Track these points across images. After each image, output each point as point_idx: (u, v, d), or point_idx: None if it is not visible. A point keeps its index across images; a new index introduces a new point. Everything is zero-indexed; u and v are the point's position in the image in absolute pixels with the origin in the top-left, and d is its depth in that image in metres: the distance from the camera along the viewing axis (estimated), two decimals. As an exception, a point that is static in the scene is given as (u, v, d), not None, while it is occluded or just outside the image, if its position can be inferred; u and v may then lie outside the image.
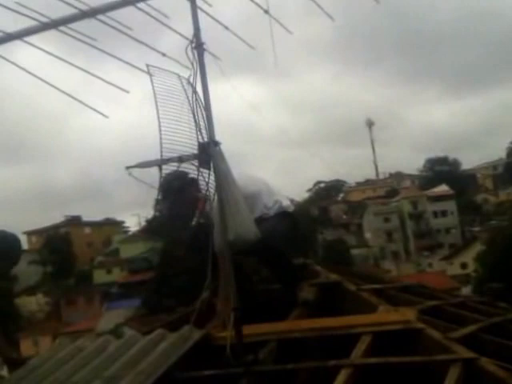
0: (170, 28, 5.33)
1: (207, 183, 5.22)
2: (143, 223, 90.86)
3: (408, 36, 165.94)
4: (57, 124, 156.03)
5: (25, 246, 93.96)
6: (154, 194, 6.17)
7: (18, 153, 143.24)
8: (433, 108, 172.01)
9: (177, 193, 6.09)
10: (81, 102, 5.59)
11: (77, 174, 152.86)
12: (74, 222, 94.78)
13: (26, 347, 57.06)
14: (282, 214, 6.33)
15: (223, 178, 5.24)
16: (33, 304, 77.88)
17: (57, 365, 5.75)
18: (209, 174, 5.21)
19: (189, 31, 5.29)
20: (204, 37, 5.29)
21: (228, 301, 5.90)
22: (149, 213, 77.74)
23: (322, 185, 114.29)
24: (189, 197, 6.12)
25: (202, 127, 5.21)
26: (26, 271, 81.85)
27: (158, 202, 5.77)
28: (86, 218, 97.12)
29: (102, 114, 5.71)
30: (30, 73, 5.56)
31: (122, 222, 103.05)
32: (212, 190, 5.26)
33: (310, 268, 6.57)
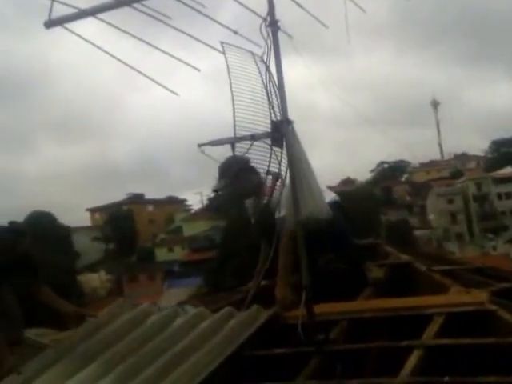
0: (242, 4, 5.29)
1: (279, 162, 5.21)
2: (206, 202, 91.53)
3: (472, 14, 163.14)
4: (115, 102, 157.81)
5: (88, 222, 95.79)
6: (214, 174, 6.23)
7: (78, 131, 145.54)
8: (498, 88, 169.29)
9: (235, 177, 6.09)
10: (151, 78, 5.59)
11: (137, 152, 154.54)
12: (137, 199, 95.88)
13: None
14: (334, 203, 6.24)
15: (296, 157, 5.23)
16: (95, 281, 79.13)
17: (125, 328, 5.79)
18: (281, 153, 5.20)
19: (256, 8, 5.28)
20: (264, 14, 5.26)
21: (287, 285, 5.95)
22: (210, 191, 78.18)
23: (386, 165, 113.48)
24: (246, 182, 6.14)
25: (275, 105, 5.19)
26: (89, 248, 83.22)
27: (218, 183, 5.81)
28: (148, 195, 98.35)
29: (172, 91, 5.71)
30: (103, 50, 5.58)
31: (185, 200, 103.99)
32: (284, 169, 5.25)
33: (380, 248, 6.53)
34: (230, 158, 5.96)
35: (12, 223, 5.95)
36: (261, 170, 5.36)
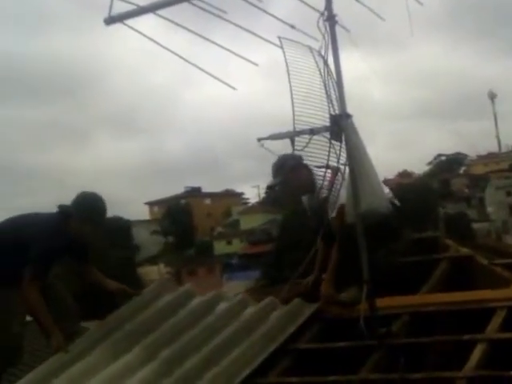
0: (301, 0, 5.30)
1: (338, 155, 5.21)
2: (263, 195, 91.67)
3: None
4: (170, 97, 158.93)
5: (146, 216, 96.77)
6: (269, 170, 6.25)
7: (135, 126, 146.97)
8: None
9: (288, 174, 6.12)
10: (209, 73, 5.63)
11: (194, 146, 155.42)
12: (195, 193, 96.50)
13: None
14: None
15: (355, 150, 5.22)
16: (154, 273, 79.90)
17: (168, 310, 5.88)
18: (340, 147, 5.19)
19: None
20: (321, 8, 5.24)
21: (332, 282, 5.96)
22: (266, 188, 78.15)
23: (443, 158, 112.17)
24: (298, 179, 6.17)
25: (333, 99, 5.19)
26: (148, 241, 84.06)
27: (272, 180, 5.83)
28: (205, 189, 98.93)
29: (229, 85, 5.75)
30: (163, 46, 5.64)
31: (242, 194, 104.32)
32: (343, 163, 5.25)
33: (439, 241, 6.48)
34: (283, 156, 6.01)
35: (60, 207, 5.97)
36: (320, 164, 5.36)
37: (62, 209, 5.97)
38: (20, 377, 5.60)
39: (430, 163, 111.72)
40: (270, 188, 6.30)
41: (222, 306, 6.00)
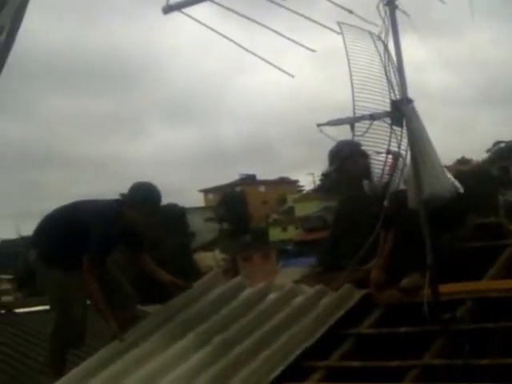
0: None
1: (399, 141, 5.19)
2: (317, 182, 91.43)
3: None
4: (225, 85, 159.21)
5: (201, 203, 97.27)
6: (325, 157, 6.24)
7: (189, 114, 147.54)
8: None
9: (344, 161, 6.10)
10: (266, 60, 5.65)
11: (248, 133, 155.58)
12: (249, 180, 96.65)
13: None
14: None
15: (417, 136, 5.19)
16: (210, 260, 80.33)
17: (220, 301, 5.99)
18: (401, 132, 5.17)
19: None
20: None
21: (383, 269, 5.93)
22: (321, 175, 77.78)
23: (502, 145, 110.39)
24: (355, 166, 6.15)
25: (394, 84, 5.16)
26: (203, 228, 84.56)
27: (328, 167, 5.78)
28: (260, 176, 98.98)
29: (286, 72, 5.75)
30: (220, 34, 5.67)
31: (296, 181, 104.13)
32: (404, 148, 5.23)
33: (503, 227, 6.41)
34: (339, 143, 6.00)
35: (122, 195, 6.12)
36: (380, 150, 5.33)
37: (120, 198, 6.17)
38: (84, 358, 5.74)
39: (488, 150, 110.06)
40: (325, 175, 6.32)
41: (273, 296, 6.07)
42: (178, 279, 6.41)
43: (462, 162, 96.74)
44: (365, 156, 5.84)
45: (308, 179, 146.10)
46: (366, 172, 6.03)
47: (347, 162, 6.10)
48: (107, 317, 5.86)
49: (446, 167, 6.28)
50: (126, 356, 5.37)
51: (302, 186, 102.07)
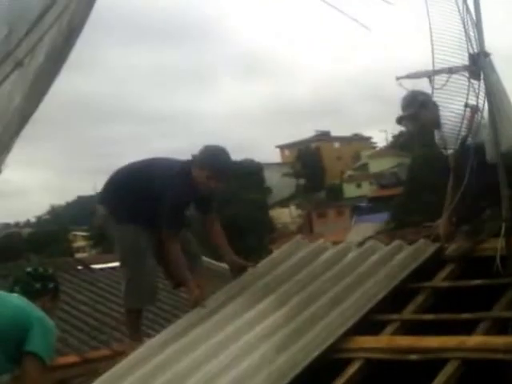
0: None
1: (477, 94, 5.20)
2: (391, 139, 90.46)
3: None
4: (296, 40, 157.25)
5: (277, 159, 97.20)
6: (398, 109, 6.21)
7: (261, 69, 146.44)
8: None
9: (419, 108, 6.03)
10: (343, 12, 5.65)
11: (321, 89, 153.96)
12: (324, 136, 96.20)
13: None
14: None
15: (494, 89, 5.19)
16: (286, 216, 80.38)
17: (297, 266, 6.02)
18: (479, 86, 5.17)
19: None
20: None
21: (450, 221, 5.96)
22: (395, 128, 76.85)
23: None
24: (429, 112, 6.05)
25: (472, 38, 5.16)
26: (280, 184, 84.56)
27: (403, 112, 5.69)
28: (334, 133, 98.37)
29: (363, 25, 5.74)
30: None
31: (370, 138, 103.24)
32: (482, 101, 5.23)
33: None
34: (413, 91, 5.95)
35: (193, 156, 6.07)
36: (458, 103, 5.33)
37: (192, 158, 6.08)
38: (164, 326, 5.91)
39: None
40: (399, 120, 6.24)
41: (352, 255, 6.14)
42: (241, 258, 6.40)
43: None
44: (436, 106, 5.82)
45: (381, 136, 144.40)
46: (437, 122, 5.99)
47: (421, 109, 6.05)
48: (189, 284, 5.90)
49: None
50: (206, 323, 5.48)
51: (376, 143, 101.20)
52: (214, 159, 5.92)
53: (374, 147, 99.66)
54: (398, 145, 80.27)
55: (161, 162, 6.27)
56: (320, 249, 6.33)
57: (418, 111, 6.06)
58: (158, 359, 5.15)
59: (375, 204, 67.65)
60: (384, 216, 53.20)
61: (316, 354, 4.88)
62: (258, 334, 5.11)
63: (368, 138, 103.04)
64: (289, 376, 4.69)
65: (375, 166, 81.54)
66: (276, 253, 6.52)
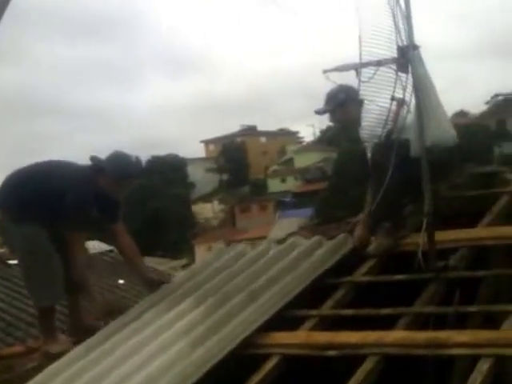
0: None
1: (404, 87, 5.18)
2: (318, 134, 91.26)
3: None
4: (222, 33, 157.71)
5: (202, 154, 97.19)
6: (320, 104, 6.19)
7: (186, 64, 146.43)
8: None
9: (338, 105, 6.04)
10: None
11: (248, 83, 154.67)
12: (250, 131, 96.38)
13: (200, 253, 59.27)
14: None
15: (421, 83, 5.18)
16: (208, 211, 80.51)
17: (216, 271, 6.04)
18: (406, 79, 5.15)
19: None
20: None
21: (366, 225, 5.96)
22: (323, 123, 77.47)
23: (501, 97, 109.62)
24: (347, 112, 6.06)
25: (401, 30, 5.13)
26: (203, 179, 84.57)
27: (322, 107, 5.70)
28: (261, 127, 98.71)
29: (290, 11, 5.72)
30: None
31: (297, 133, 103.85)
32: (409, 95, 5.22)
33: (500, 176, 6.41)
34: (338, 87, 5.93)
35: (93, 159, 5.98)
36: (385, 96, 5.31)
37: (95, 163, 5.99)
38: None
39: (487, 103, 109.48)
40: (317, 113, 6.22)
41: (271, 252, 6.14)
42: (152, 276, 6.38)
43: (461, 114, 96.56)
44: (359, 105, 5.80)
45: (308, 130, 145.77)
46: (356, 121, 5.96)
47: (339, 108, 6.04)
48: (89, 286, 6.04)
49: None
50: (127, 328, 5.53)
51: (302, 138, 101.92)
52: (117, 165, 5.89)
53: (301, 142, 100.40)
54: (325, 139, 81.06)
55: (61, 164, 6.16)
56: (240, 253, 6.35)
57: (335, 110, 6.05)
58: (79, 364, 5.19)
59: (300, 199, 68.18)
60: (308, 211, 53.69)
61: (230, 347, 4.89)
62: (175, 332, 5.14)
63: (295, 133, 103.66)
64: (203, 370, 4.70)
65: (301, 161, 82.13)
66: (197, 264, 6.50)
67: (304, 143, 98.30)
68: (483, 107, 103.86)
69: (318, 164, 76.42)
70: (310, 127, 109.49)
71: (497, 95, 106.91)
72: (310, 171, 75.76)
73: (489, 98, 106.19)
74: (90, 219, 5.93)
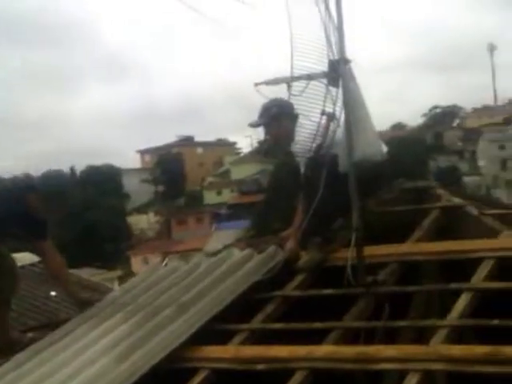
0: None
1: (335, 102, 5.19)
2: (255, 145, 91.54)
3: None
4: (162, 42, 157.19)
5: (137, 164, 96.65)
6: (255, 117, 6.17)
7: (125, 72, 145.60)
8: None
9: (270, 119, 6.03)
10: (206, 16, 5.57)
11: (182, 94, 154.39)
12: (187, 141, 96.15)
13: (136, 264, 58.88)
14: None
15: (351, 97, 5.20)
16: (144, 222, 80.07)
17: (149, 285, 6.04)
18: (337, 93, 5.16)
19: None
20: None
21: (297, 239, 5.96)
22: (260, 134, 77.54)
23: (438, 110, 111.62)
24: (280, 126, 6.00)
25: (332, 44, 5.14)
26: (138, 189, 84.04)
27: (255, 120, 5.72)
28: (198, 138, 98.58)
29: (225, 28, 5.68)
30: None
31: (234, 143, 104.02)
32: (339, 109, 5.23)
33: (432, 191, 6.46)
34: (273, 101, 5.90)
35: (26, 176, 6.02)
36: (316, 110, 5.31)
37: (26, 181, 5.99)
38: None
39: (424, 115, 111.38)
40: (251, 126, 6.21)
41: (203, 265, 6.13)
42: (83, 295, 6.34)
43: (398, 127, 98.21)
44: (292, 119, 5.77)
45: (246, 141, 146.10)
46: (290, 136, 5.93)
47: (272, 122, 6.00)
48: None
49: (381, 133, 6.29)
50: (55, 345, 5.51)
51: (240, 149, 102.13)
52: (48, 182, 5.92)
53: (239, 153, 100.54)
54: (262, 151, 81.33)
55: None
56: (174, 267, 6.35)
57: (268, 124, 6.03)
58: (7, 379, 5.19)
59: (236, 211, 68.20)
60: (245, 223, 53.70)
61: (156, 361, 4.86)
62: (102, 347, 5.12)
63: (232, 144, 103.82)
64: (128, 383, 4.69)
65: (238, 173, 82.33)
66: (132, 279, 6.55)
67: (241, 154, 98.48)
68: (420, 120, 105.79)
69: (254, 176, 76.63)
70: (247, 138, 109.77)
71: (435, 107, 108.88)
72: (246, 183, 75.92)
73: (426, 111, 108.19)
74: (10, 235, 5.90)
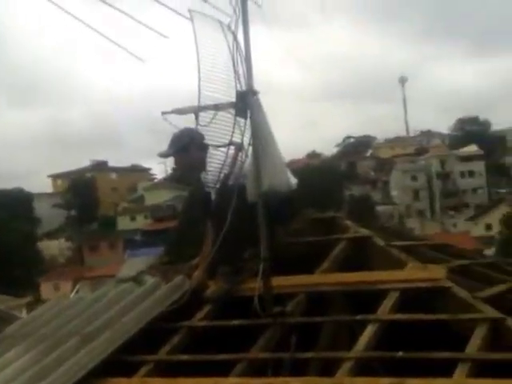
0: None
1: (243, 132, 5.19)
2: (169, 171, 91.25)
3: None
4: (74, 67, 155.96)
5: (49, 189, 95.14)
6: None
7: (36, 97, 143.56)
8: (459, 66, 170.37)
9: (179, 149, 6.01)
10: (115, 42, 5.50)
11: (95, 118, 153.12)
12: (100, 166, 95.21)
13: (46, 291, 57.70)
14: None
15: (259, 128, 5.21)
16: (54, 248, 78.62)
17: (54, 315, 5.92)
18: (245, 123, 5.17)
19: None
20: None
21: (204, 269, 5.94)
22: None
23: (352, 140, 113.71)
24: (188, 158, 5.98)
25: (240, 75, 5.16)
26: (50, 214, 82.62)
27: (165, 150, 5.73)
28: (112, 163, 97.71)
29: (137, 56, 5.63)
30: (73, 15, 5.46)
31: (149, 169, 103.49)
32: (247, 140, 5.24)
33: (339, 222, 6.52)
34: (183, 131, 5.87)
35: None
36: (224, 141, 5.31)
37: None
38: None
39: (338, 145, 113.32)
40: (160, 156, 6.17)
41: (110, 294, 6.04)
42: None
43: (312, 156, 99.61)
44: (203, 149, 5.76)
45: (160, 168, 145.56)
46: (200, 166, 5.92)
47: (181, 152, 5.98)
48: None
49: (296, 161, 6.34)
50: None
51: (155, 175, 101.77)
52: None
53: (153, 179, 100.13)
54: (175, 178, 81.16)
55: None
56: (81, 296, 6.42)
57: (177, 154, 5.99)
58: None
59: (150, 237, 67.68)
60: (158, 249, 53.25)
61: None
62: (1, 380, 4.98)
63: (147, 170, 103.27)
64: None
65: (152, 198, 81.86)
66: (34, 310, 6.55)
67: (155, 180, 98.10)
68: (334, 149, 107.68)
69: (168, 202, 76.30)
70: (161, 164, 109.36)
71: (348, 138, 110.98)
72: (160, 209, 75.55)
73: (340, 141, 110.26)
74: None
